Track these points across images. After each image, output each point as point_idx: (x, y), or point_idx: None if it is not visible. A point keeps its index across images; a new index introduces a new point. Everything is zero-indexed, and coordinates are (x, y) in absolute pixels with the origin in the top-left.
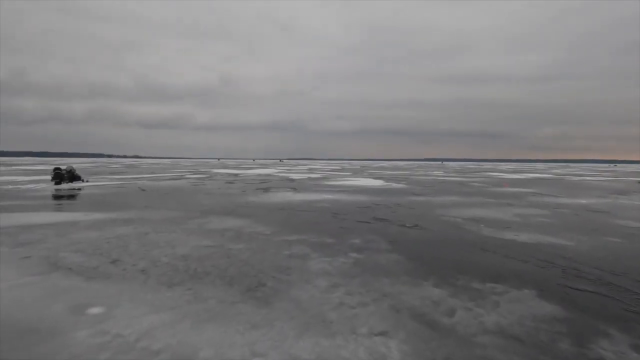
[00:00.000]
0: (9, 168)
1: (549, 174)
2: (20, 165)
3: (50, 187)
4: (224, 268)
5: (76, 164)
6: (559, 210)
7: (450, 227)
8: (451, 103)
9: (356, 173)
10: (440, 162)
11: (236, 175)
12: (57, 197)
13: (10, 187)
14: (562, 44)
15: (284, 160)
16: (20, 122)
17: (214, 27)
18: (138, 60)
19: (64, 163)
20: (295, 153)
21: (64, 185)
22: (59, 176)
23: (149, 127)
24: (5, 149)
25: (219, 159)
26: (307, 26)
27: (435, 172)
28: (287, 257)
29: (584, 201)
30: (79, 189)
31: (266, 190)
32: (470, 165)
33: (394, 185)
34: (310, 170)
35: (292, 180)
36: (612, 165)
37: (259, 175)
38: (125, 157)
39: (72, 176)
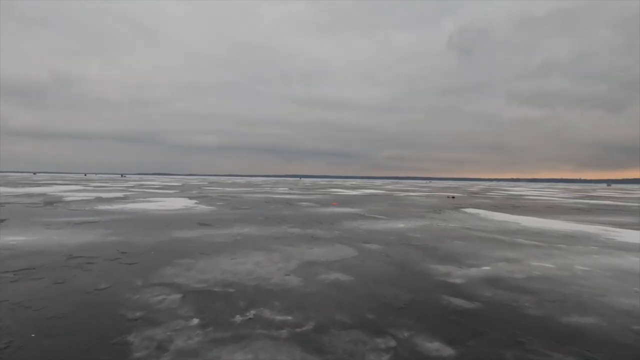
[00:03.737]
0: None
1: (382, 189)
2: None
3: None
4: None
5: None
6: (366, 247)
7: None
8: (315, 124)
9: (183, 191)
10: (298, 178)
11: None
12: None
13: None
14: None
15: (126, 176)
16: None
17: (47, 12)
18: None
19: None
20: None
21: None
22: None
23: None
24: None
25: (34, 173)
26: (170, 33)
27: (280, 189)
28: None
29: (401, 225)
30: None
31: None
32: (323, 181)
33: (197, 206)
34: (127, 189)
35: (53, 203)
36: (428, 181)
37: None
38: None
39: None
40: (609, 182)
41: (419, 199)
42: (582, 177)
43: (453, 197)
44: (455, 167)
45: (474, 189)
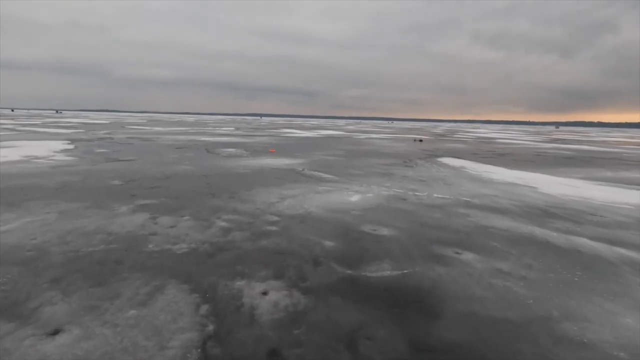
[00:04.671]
0: None
1: (343, 131)
2: None
3: None
4: None
5: None
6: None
7: None
8: (277, 60)
9: (87, 132)
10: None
11: None
12: None
13: None
14: (366, 17)
15: (62, 112)
16: None
17: None
18: None
19: None
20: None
21: None
22: None
23: None
24: None
25: None
26: None
27: (224, 129)
28: None
29: (354, 197)
30: None
31: None
32: (282, 120)
33: (54, 156)
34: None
35: None
36: (390, 122)
37: None
38: None
39: None
40: (557, 124)
41: (383, 142)
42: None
43: (421, 141)
44: (417, 108)
45: (438, 131)
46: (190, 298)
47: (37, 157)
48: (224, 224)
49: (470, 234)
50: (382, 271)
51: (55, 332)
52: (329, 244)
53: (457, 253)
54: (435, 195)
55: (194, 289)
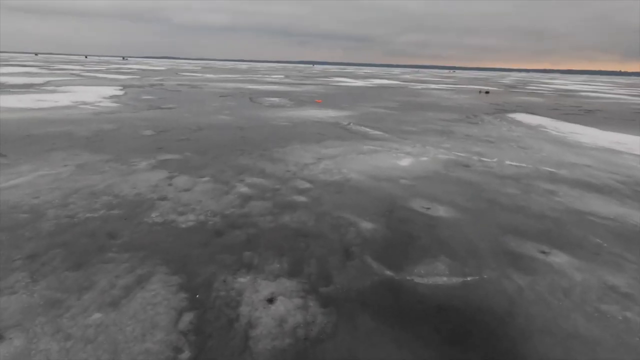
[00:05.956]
0: None
1: (398, 80)
2: None
3: None
4: None
5: None
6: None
7: None
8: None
9: (142, 78)
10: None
11: None
12: None
13: None
14: None
15: (128, 59)
16: None
17: None
18: None
19: None
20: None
21: None
22: None
23: None
24: None
25: (36, 54)
26: None
27: (273, 77)
28: None
29: (404, 161)
30: None
31: None
32: (335, 69)
33: (99, 103)
34: (71, 73)
35: None
36: (451, 71)
37: None
38: None
39: None
40: None
41: (443, 94)
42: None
43: (487, 92)
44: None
45: (507, 82)
46: (174, 300)
47: (84, 103)
48: (245, 189)
49: (560, 222)
50: (435, 275)
51: None
52: (366, 226)
53: (544, 253)
54: (507, 162)
55: (184, 285)
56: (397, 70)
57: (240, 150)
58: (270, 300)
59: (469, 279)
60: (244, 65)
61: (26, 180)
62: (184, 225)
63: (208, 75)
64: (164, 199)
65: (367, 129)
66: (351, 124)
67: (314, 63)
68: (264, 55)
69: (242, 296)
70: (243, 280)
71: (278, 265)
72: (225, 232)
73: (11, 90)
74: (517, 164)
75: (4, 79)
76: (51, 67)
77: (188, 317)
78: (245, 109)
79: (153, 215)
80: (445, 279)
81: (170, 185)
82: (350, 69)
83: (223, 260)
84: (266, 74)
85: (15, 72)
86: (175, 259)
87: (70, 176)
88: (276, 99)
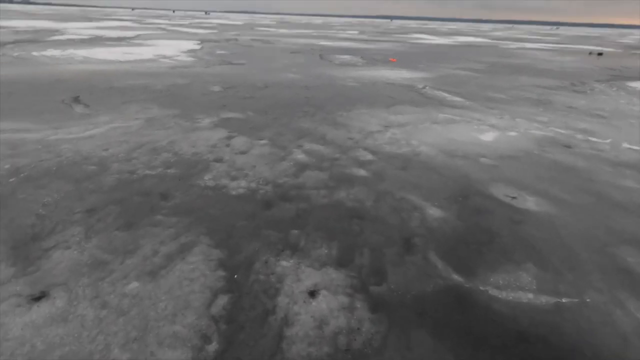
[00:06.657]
0: None
1: (487, 37)
2: None
3: None
4: None
5: None
6: None
7: None
8: None
9: (221, 32)
10: (389, 20)
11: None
12: None
13: None
14: None
15: (210, 13)
16: None
17: None
18: None
19: None
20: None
21: None
22: None
23: None
24: None
25: (132, 9)
26: None
27: (347, 33)
28: None
29: (488, 136)
30: None
31: None
32: (415, 24)
33: (177, 57)
34: (160, 27)
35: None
36: (555, 27)
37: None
38: None
39: None
40: None
41: (542, 55)
42: None
43: (600, 54)
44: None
45: (627, 41)
46: (211, 277)
47: (164, 57)
48: (302, 156)
49: None
50: (517, 290)
51: (39, 298)
52: (434, 213)
53: None
54: (624, 144)
55: (224, 261)
56: (486, 26)
57: (303, 112)
58: (312, 294)
59: (564, 300)
60: (318, 20)
61: (100, 131)
62: (234, 192)
63: (282, 31)
64: (219, 160)
65: (445, 94)
66: (427, 87)
67: (392, 18)
68: (339, 9)
69: (283, 284)
70: (286, 264)
71: (326, 251)
72: (275, 205)
73: (106, 43)
74: (639, 147)
75: (102, 32)
76: (142, 22)
77: (222, 301)
78: (313, 66)
79: (206, 177)
80: (531, 295)
81: (227, 146)
82: (433, 24)
83: (268, 237)
84: (340, 30)
85: (113, 25)
86: (220, 229)
87: (139, 130)
88: (347, 57)
